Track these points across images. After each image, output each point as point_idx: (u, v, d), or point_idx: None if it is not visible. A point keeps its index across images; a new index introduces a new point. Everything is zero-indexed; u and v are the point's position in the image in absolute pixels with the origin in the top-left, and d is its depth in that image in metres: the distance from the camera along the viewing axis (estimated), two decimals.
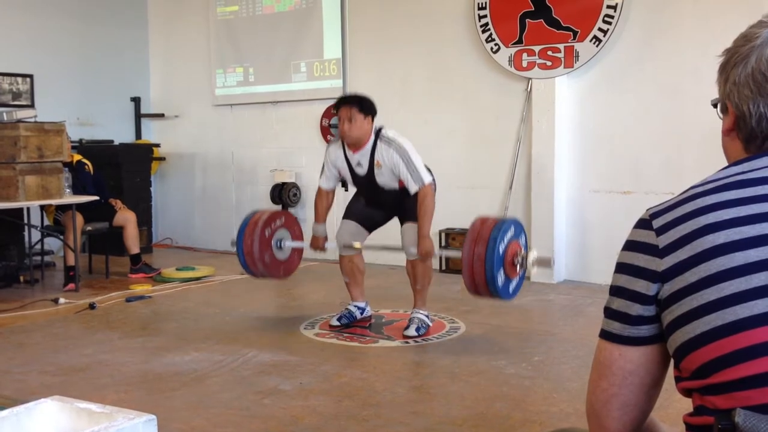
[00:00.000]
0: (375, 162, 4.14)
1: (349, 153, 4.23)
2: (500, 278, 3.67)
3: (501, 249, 3.64)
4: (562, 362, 3.67)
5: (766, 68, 1.02)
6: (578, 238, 5.82)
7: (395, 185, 4.16)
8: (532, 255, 3.79)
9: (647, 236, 1.05)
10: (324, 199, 4.42)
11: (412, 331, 4.16)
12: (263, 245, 4.32)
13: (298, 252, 4.61)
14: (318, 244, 4.42)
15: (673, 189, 5.35)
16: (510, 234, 3.73)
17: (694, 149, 5.27)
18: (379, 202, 4.32)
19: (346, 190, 5.53)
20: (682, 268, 0.99)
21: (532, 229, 5.81)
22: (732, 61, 1.06)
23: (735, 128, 1.08)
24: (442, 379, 3.46)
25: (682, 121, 5.33)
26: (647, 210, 1.09)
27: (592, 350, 3.66)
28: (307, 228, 4.71)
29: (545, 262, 3.86)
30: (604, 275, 5.59)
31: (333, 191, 4.44)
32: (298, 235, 4.60)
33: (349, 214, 4.39)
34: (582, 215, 5.80)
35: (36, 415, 1.09)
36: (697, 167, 5.25)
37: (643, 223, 1.08)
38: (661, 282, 1.01)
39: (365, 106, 4.13)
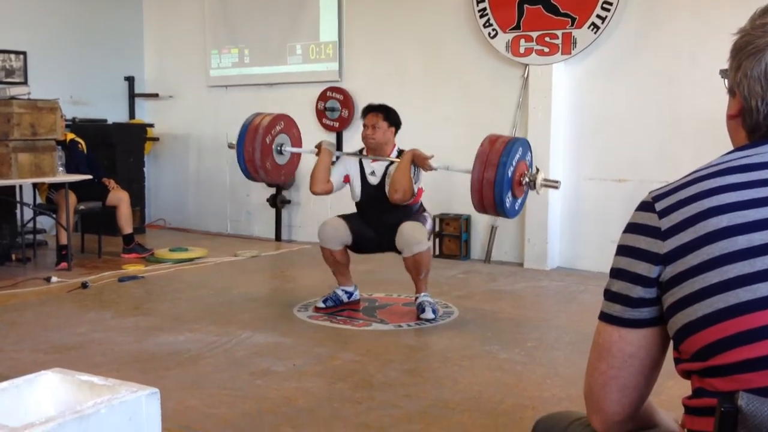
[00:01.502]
0: (389, 172, 4.18)
1: (365, 162, 4.27)
2: (508, 200, 3.73)
3: (510, 172, 3.68)
4: (555, 348, 3.69)
5: None
6: (572, 225, 5.83)
7: None
8: (540, 176, 3.83)
9: (650, 218, 1.05)
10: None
11: (429, 314, 4.18)
12: (265, 153, 4.29)
13: (297, 155, 4.57)
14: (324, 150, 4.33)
15: (668, 177, 5.33)
16: (518, 155, 3.76)
17: (689, 138, 5.28)
18: (379, 221, 4.25)
19: None
20: (684, 250, 0.99)
21: (526, 215, 5.82)
22: (746, 50, 1.04)
23: (740, 116, 1.07)
24: (435, 363, 3.47)
25: (678, 110, 5.33)
26: (650, 192, 1.09)
27: (584, 336, 3.67)
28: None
29: (553, 184, 3.96)
30: (598, 262, 5.61)
31: (332, 188, 4.33)
32: (297, 138, 4.54)
33: (341, 216, 4.37)
34: (577, 202, 5.80)
35: (37, 386, 1.08)
36: (692, 156, 5.24)
37: (645, 206, 1.07)
38: (663, 264, 1.01)
39: (391, 117, 4.27)
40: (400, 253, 4.18)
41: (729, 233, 0.95)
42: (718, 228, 0.96)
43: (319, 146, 4.35)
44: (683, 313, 0.99)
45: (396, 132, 4.32)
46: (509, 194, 3.73)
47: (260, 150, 4.25)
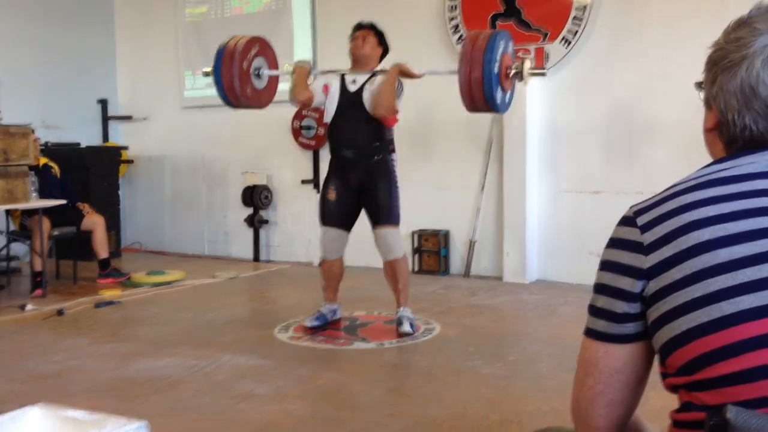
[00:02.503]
0: (371, 79, 4.18)
1: (347, 75, 4.24)
2: (498, 95, 3.76)
3: (495, 68, 3.70)
4: (537, 361, 3.69)
5: (756, 82, 1.01)
6: (550, 237, 5.86)
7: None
8: (527, 65, 3.85)
9: (631, 233, 1.05)
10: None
11: (407, 328, 4.17)
12: (243, 79, 4.23)
13: (275, 79, 4.52)
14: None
15: (643, 189, 5.42)
16: (501, 49, 3.77)
17: (662, 149, 5.34)
18: (352, 143, 4.18)
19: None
20: (667, 265, 0.99)
21: (504, 229, 5.84)
22: (721, 65, 1.05)
23: (717, 129, 1.08)
24: (418, 381, 3.45)
25: (650, 122, 5.40)
26: (631, 207, 1.09)
27: (565, 349, 3.67)
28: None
29: (540, 72, 4.01)
30: (577, 274, 5.64)
31: (312, 95, 4.25)
32: (273, 59, 4.48)
33: (326, 220, 4.33)
34: (553, 215, 5.84)
35: (21, 424, 1.05)
36: (666, 167, 5.32)
37: (627, 221, 1.07)
38: (646, 279, 1.02)
39: (381, 36, 4.33)
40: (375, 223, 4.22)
41: (711, 247, 0.96)
42: (699, 242, 0.97)
43: (294, 67, 4.32)
44: (668, 327, 0.99)
45: (382, 56, 4.34)
46: (498, 89, 3.76)
47: (239, 76, 4.19)
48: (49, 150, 6.86)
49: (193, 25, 7.57)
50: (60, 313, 4.85)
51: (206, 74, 4.40)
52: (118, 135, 8.17)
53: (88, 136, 7.79)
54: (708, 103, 1.10)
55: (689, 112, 5.10)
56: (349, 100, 4.18)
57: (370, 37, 4.27)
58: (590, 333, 1.10)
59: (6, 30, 7.09)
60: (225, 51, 4.24)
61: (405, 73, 4.12)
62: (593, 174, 5.65)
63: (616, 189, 5.52)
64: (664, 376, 1.04)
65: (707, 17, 5.16)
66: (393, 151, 4.28)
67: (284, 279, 6.21)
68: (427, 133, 6.31)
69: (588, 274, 6.05)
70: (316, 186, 6.84)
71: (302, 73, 4.25)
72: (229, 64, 4.19)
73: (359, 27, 4.32)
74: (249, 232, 7.24)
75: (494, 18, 5.84)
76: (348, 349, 4.01)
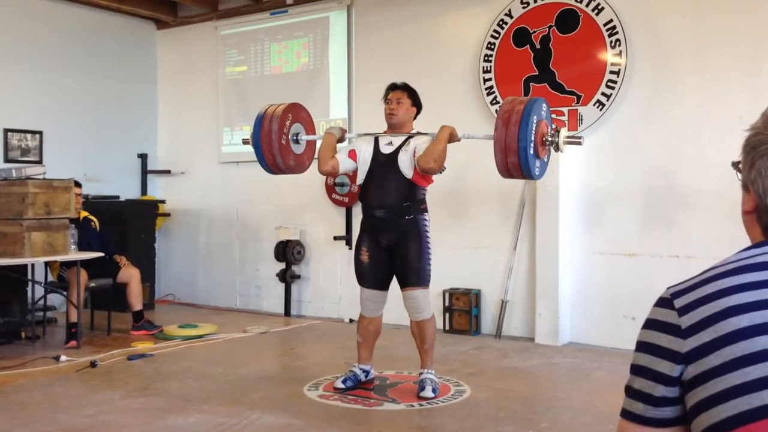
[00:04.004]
0: (407, 141, 4.20)
1: (381, 138, 4.28)
2: (532, 161, 3.77)
3: (532, 133, 3.71)
4: (570, 429, 3.62)
5: None
6: (583, 300, 5.79)
7: (409, 174, 4.14)
8: (563, 135, 3.83)
9: (669, 315, 1.05)
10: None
11: (429, 393, 4.13)
12: (284, 153, 4.30)
13: (313, 142, 4.55)
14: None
15: (678, 252, 5.37)
16: (539, 115, 3.78)
17: (698, 212, 5.30)
18: (381, 200, 4.19)
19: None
20: (705, 350, 0.99)
21: (536, 291, 5.79)
22: (760, 150, 1.06)
23: (755, 212, 1.09)
24: None
25: (686, 184, 5.36)
26: (668, 288, 1.09)
27: (599, 417, 3.59)
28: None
29: (576, 140, 3.99)
30: (610, 338, 5.56)
31: (338, 163, 4.24)
32: (309, 122, 4.52)
33: (360, 281, 4.35)
34: (587, 277, 5.78)
35: None
36: (702, 230, 5.27)
37: (664, 302, 1.07)
38: (684, 363, 1.01)
39: (414, 97, 4.37)
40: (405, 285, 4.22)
41: (749, 334, 0.95)
42: (738, 328, 0.96)
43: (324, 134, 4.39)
44: (707, 414, 0.98)
45: (416, 115, 4.38)
46: (533, 155, 3.77)
47: (279, 152, 4.27)
48: (89, 203, 7.03)
49: (233, 82, 7.78)
50: (93, 365, 4.90)
51: (245, 142, 4.50)
52: (156, 188, 8.35)
53: (127, 189, 7.98)
54: (746, 187, 1.10)
55: (725, 177, 5.09)
56: (383, 163, 4.22)
57: (403, 98, 4.31)
58: (628, 415, 1.09)
59: (51, 84, 7.35)
60: (263, 121, 4.30)
61: (452, 136, 4.16)
62: (627, 236, 5.60)
63: (651, 252, 5.46)
64: None
65: (740, 80, 5.17)
66: (425, 210, 4.29)
67: (315, 335, 6.21)
68: (460, 192, 6.35)
69: (621, 337, 5.97)
70: (349, 243, 6.89)
71: (329, 142, 4.28)
72: (268, 141, 4.27)
73: (393, 88, 4.38)
74: (280, 287, 7.28)
75: (528, 80, 5.91)
76: (378, 410, 3.98)
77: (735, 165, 1.15)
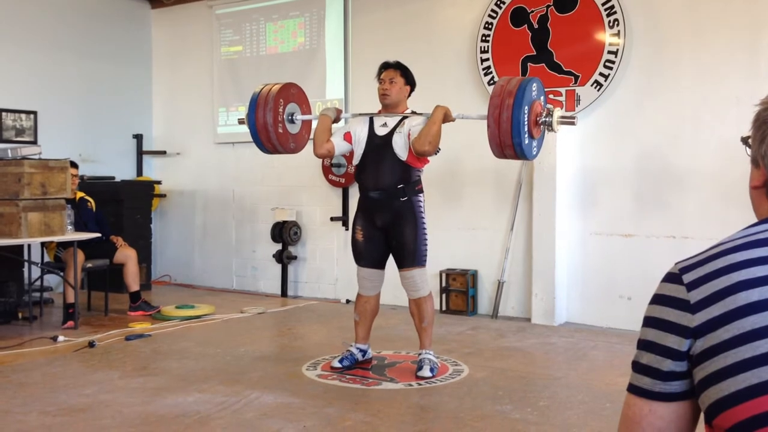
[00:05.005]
0: (402, 122, 4.18)
1: (376, 118, 4.26)
2: (526, 141, 3.75)
3: (525, 113, 3.70)
4: (568, 408, 3.64)
5: None
6: (579, 280, 5.82)
7: (403, 156, 4.13)
8: (557, 115, 3.84)
9: (678, 291, 1.05)
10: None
11: (427, 372, 4.15)
12: (283, 140, 4.30)
13: (308, 121, 4.55)
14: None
15: (674, 232, 5.38)
16: (532, 95, 3.77)
17: (694, 193, 5.31)
18: (377, 181, 4.19)
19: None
20: (715, 324, 0.99)
21: (533, 271, 5.81)
22: None
23: (764, 187, 1.09)
24: (447, 424, 3.42)
25: (682, 165, 5.37)
26: (676, 264, 1.09)
27: (597, 396, 3.62)
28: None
29: (570, 120, 3.98)
30: (605, 318, 5.59)
31: (333, 146, 4.24)
32: (305, 102, 4.51)
33: (357, 260, 4.36)
34: (583, 258, 5.80)
35: None
36: (697, 210, 5.28)
37: (672, 278, 1.07)
38: (693, 338, 1.01)
39: (408, 75, 4.31)
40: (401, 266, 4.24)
41: (759, 308, 0.96)
42: (748, 302, 0.97)
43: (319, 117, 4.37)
44: (716, 387, 0.98)
45: (410, 93, 4.33)
46: (527, 137, 3.76)
47: (276, 138, 4.26)
48: (85, 184, 7.00)
49: (228, 62, 7.72)
50: (91, 345, 4.90)
51: (241, 122, 4.48)
52: (152, 169, 8.32)
53: (123, 170, 7.95)
54: (755, 161, 1.10)
55: (721, 158, 5.12)
56: (378, 144, 4.20)
57: (396, 77, 4.26)
58: (634, 390, 1.10)
59: (45, 65, 7.30)
60: (257, 111, 4.28)
61: (446, 117, 4.15)
62: (624, 217, 5.62)
63: (646, 232, 5.48)
64: None
65: (738, 62, 5.16)
66: (420, 191, 4.28)
67: (312, 315, 6.22)
68: (457, 173, 6.34)
69: (617, 317, 6.02)
70: (345, 223, 6.89)
71: (324, 125, 4.26)
72: (265, 133, 4.26)
73: (385, 66, 4.35)
74: (277, 268, 7.28)
75: (525, 60, 5.89)
76: (376, 389, 4.00)
77: (744, 140, 1.15)
